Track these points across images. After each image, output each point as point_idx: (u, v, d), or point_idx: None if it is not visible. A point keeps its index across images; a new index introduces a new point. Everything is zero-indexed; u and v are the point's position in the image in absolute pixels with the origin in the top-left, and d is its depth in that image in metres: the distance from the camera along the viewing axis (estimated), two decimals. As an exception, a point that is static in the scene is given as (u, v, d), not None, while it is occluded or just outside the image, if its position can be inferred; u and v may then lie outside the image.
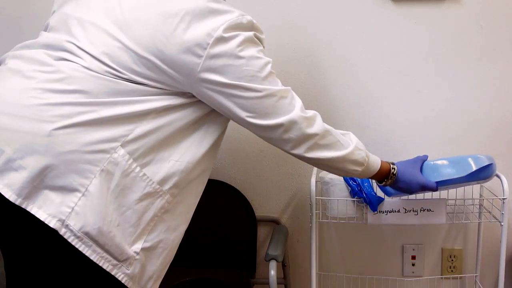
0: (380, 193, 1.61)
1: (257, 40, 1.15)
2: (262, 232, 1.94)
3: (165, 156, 1.11)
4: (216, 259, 1.90)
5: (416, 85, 1.81)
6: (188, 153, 1.14)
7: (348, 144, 1.24)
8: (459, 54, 1.77)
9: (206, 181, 1.26)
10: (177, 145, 1.13)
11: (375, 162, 1.32)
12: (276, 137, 1.18)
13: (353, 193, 1.59)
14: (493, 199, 1.63)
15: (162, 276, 1.22)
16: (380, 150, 1.84)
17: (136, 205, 1.09)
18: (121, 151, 1.06)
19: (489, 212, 1.69)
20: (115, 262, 1.07)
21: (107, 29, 1.09)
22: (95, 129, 1.04)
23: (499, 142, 1.80)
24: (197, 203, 1.25)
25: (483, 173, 1.50)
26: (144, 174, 1.09)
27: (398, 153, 1.84)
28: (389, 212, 1.58)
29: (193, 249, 1.90)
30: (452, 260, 1.88)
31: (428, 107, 1.81)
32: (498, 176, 1.61)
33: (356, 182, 1.59)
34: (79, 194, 1.03)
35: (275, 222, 1.92)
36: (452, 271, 1.89)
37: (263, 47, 1.18)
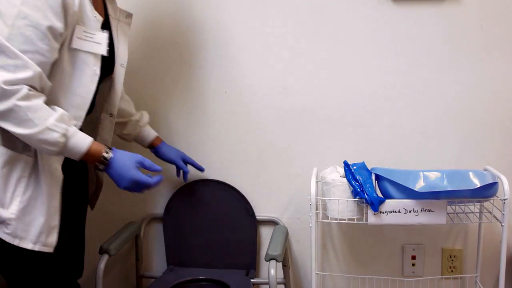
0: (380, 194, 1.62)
1: None
2: (262, 232, 1.94)
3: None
4: (217, 259, 1.90)
5: (416, 85, 1.80)
6: None
7: (39, 124, 1.21)
8: (459, 54, 1.77)
9: None
10: None
11: (79, 144, 1.27)
12: None
13: (355, 193, 1.58)
14: (493, 199, 1.63)
15: (56, 228, 1.33)
16: (380, 150, 1.84)
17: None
18: None
19: (490, 212, 1.69)
20: None
21: None
22: None
23: (499, 142, 1.80)
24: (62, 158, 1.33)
25: (488, 191, 1.56)
26: None
27: (398, 153, 1.84)
28: (390, 213, 1.57)
29: (193, 249, 1.91)
30: (452, 260, 1.88)
31: (428, 107, 1.81)
32: (498, 176, 1.60)
33: (358, 183, 1.59)
34: None
35: (275, 222, 1.92)
36: (452, 271, 1.89)
37: None
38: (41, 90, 1.23)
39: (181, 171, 1.83)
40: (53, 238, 1.33)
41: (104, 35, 1.34)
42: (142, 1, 1.86)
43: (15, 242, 1.26)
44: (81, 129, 1.32)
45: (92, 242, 1.85)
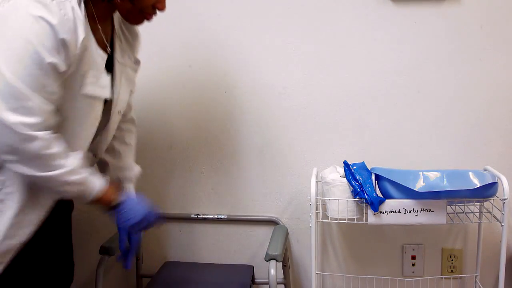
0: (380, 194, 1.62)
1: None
2: (262, 232, 1.95)
3: None
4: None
5: (416, 85, 1.80)
6: None
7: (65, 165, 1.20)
8: (459, 54, 1.77)
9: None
10: None
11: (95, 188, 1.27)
12: None
13: (355, 193, 1.59)
14: (493, 199, 1.63)
15: (2, 263, 1.22)
16: (380, 150, 1.84)
17: None
18: None
19: (490, 212, 1.69)
20: None
21: None
22: None
23: (499, 142, 1.80)
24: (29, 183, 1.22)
25: (488, 191, 1.56)
26: None
27: (398, 153, 1.84)
28: (390, 213, 1.57)
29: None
30: (452, 260, 1.88)
31: (428, 107, 1.81)
32: (498, 176, 1.60)
33: (358, 183, 1.59)
34: None
35: (275, 222, 1.92)
36: (452, 271, 1.89)
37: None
38: (54, 126, 1.18)
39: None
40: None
41: (107, 78, 1.31)
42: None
43: None
44: None
45: (92, 242, 1.86)
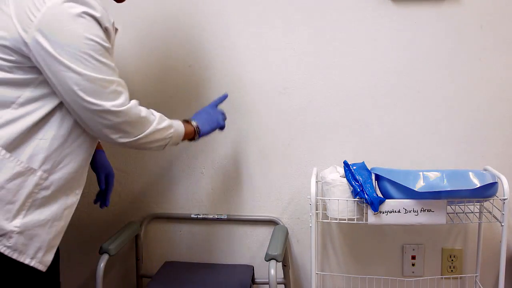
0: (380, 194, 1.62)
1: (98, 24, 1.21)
2: (262, 232, 1.95)
3: (29, 137, 1.21)
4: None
5: (416, 85, 1.81)
6: (51, 130, 1.23)
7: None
8: (459, 54, 1.77)
9: (86, 156, 1.34)
10: (41, 126, 1.22)
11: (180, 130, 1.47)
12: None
13: (355, 193, 1.59)
14: (493, 199, 1.63)
15: (55, 246, 1.31)
16: (380, 150, 1.84)
17: (8, 184, 1.19)
18: None
19: (490, 212, 1.69)
20: None
21: None
22: None
23: (499, 142, 1.80)
24: (78, 177, 1.33)
25: (488, 191, 1.55)
26: (11, 156, 1.19)
27: (398, 153, 1.84)
28: (390, 213, 1.57)
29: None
30: (452, 260, 1.88)
31: (428, 107, 1.81)
32: (498, 176, 1.60)
33: (358, 183, 1.59)
34: None
35: (275, 222, 1.92)
36: (452, 271, 1.89)
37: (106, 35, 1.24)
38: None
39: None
40: (49, 257, 1.30)
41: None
42: (142, 1, 1.87)
43: (14, 255, 1.23)
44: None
45: (92, 242, 1.86)
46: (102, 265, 1.64)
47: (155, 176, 1.96)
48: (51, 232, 1.28)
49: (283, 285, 1.89)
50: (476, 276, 1.83)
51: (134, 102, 1.29)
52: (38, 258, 1.27)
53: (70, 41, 1.15)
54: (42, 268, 1.28)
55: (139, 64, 1.90)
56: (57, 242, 1.32)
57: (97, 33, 1.18)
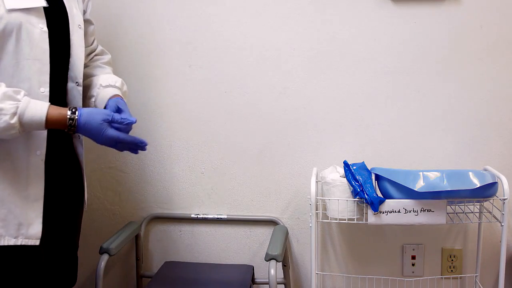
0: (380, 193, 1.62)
1: None
2: (262, 232, 1.95)
3: None
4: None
5: (416, 85, 1.81)
6: None
7: None
8: (459, 54, 1.77)
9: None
10: None
11: (36, 115, 1.18)
12: None
13: (355, 193, 1.59)
14: (493, 199, 1.63)
15: (38, 218, 1.21)
16: (380, 150, 1.84)
17: None
18: None
19: (490, 212, 1.69)
20: None
21: None
22: None
23: (499, 142, 1.80)
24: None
25: (488, 191, 1.56)
26: None
27: (398, 153, 1.84)
28: (390, 213, 1.57)
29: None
30: (452, 260, 1.88)
31: (428, 107, 1.81)
32: (498, 176, 1.60)
33: (358, 183, 1.59)
34: None
35: (275, 222, 1.92)
36: (452, 271, 1.89)
37: None
38: None
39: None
40: (35, 229, 1.20)
41: None
42: (142, 1, 1.87)
43: None
44: (51, 98, 1.24)
45: (92, 242, 1.86)
46: (102, 265, 1.64)
47: (155, 176, 1.96)
48: (25, 203, 1.18)
49: (283, 285, 1.89)
50: (476, 276, 1.83)
51: None
52: (23, 235, 1.19)
53: None
54: (34, 242, 1.19)
55: (139, 64, 1.89)
56: (38, 212, 1.21)
57: None
